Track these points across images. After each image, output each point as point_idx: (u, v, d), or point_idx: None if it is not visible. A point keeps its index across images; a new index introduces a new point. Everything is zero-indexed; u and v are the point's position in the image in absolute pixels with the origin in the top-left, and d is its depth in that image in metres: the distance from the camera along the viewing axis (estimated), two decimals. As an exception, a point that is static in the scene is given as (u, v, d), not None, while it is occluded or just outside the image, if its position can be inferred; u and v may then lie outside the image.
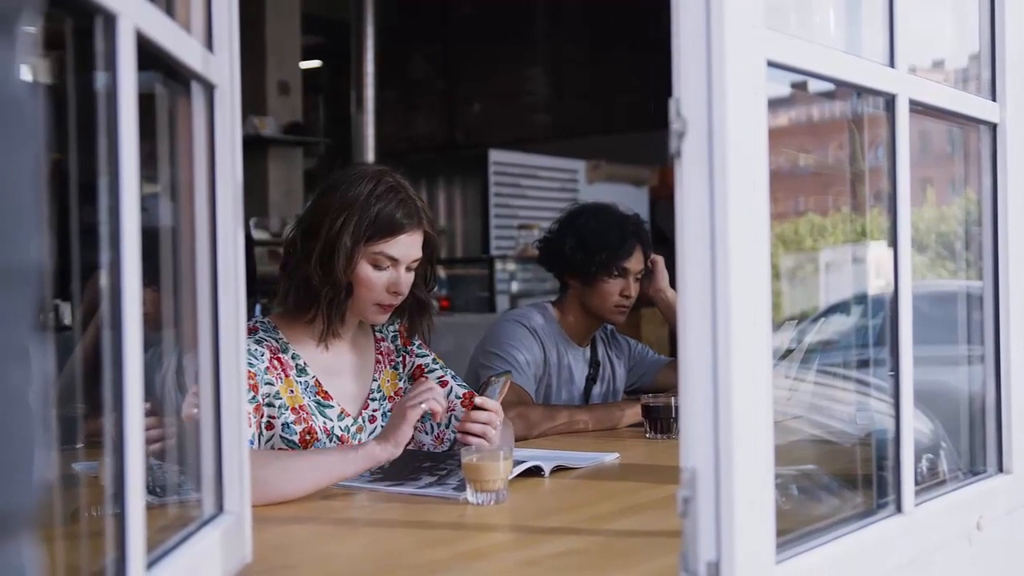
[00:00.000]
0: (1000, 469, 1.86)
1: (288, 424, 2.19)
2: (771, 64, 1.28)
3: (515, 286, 7.69)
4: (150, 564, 1.10)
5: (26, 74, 0.60)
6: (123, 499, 1.03)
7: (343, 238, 2.19)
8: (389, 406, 2.38)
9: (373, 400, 2.38)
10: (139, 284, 1.04)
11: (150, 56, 1.13)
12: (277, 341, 2.26)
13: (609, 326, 3.24)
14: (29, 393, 0.56)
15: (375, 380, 2.39)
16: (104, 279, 1.02)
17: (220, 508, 1.40)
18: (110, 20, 1.02)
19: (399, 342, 2.47)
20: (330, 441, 2.24)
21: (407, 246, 2.25)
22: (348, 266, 2.21)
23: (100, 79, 1.03)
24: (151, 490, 1.25)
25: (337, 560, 1.63)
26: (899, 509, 1.55)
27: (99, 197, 1.03)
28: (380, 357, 2.42)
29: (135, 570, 1.03)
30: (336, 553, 1.66)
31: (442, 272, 7.88)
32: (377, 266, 2.23)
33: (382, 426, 2.33)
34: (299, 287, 2.24)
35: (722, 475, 1.19)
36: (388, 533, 1.74)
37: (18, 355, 0.55)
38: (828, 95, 1.78)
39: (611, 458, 2.40)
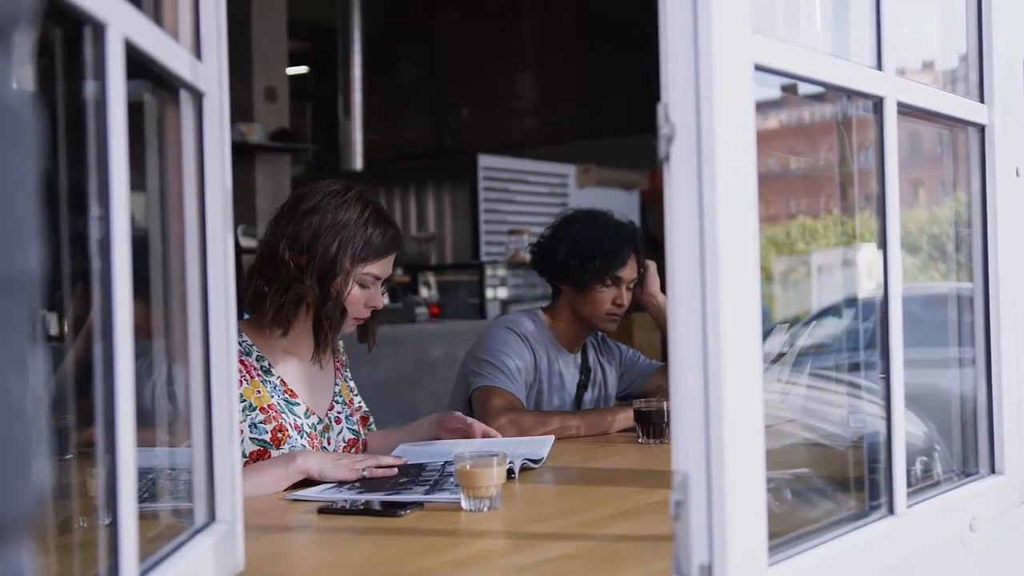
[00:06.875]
0: (992, 470, 1.86)
1: (256, 424, 2.26)
2: (759, 68, 1.28)
3: (505, 292, 7.67)
4: (143, 573, 1.10)
5: (23, 83, 0.60)
6: (116, 509, 1.03)
7: (341, 260, 2.29)
8: (349, 411, 2.50)
9: (337, 403, 2.48)
10: (130, 294, 1.04)
11: (137, 64, 1.13)
12: (240, 344, 2.30)
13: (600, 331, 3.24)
14: (27, 401, 0.56)
15: (336, 385, 2.50)
16: (95, 289, 1.02)
17: (212, 517, 1.40)
18: (99, 29, 1.01)
19: (345, 357, 2.59)
20: (301, 437, 2.31)
21: (390, 265, 2.40)
22: (345, 287, 2.31)
23: (89, 87, 1.03)
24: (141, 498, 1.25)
25: (330, 569, 1.62)
26: (891, 511, 1.56)
27: (88, 206, 1.03)
28: (339, 366, 2.54)
29: (127, 580, 1.03)
30: (329, 562, 1.66)
31: (432, 278, 7.87)
32: (363, 285, 2.35)
33: (347, 428, 2.47)
34: (291, 303, 2.31)
35: (713, 478, 1.19)
36: (381, 541, 1.73)
37: (16, 363, 0.55)
38: (817, 98, 1.78)
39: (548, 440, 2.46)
